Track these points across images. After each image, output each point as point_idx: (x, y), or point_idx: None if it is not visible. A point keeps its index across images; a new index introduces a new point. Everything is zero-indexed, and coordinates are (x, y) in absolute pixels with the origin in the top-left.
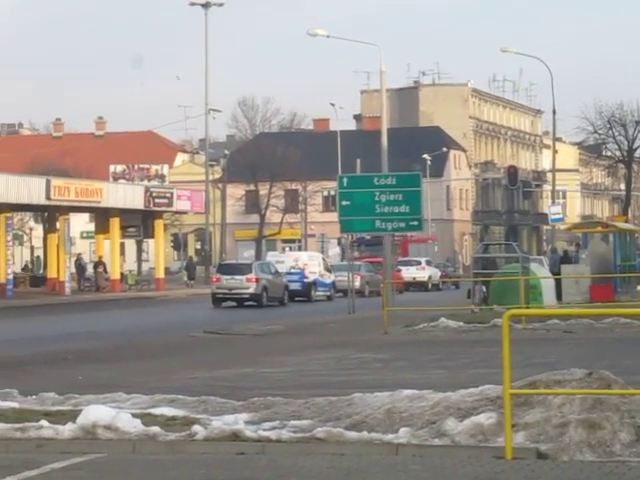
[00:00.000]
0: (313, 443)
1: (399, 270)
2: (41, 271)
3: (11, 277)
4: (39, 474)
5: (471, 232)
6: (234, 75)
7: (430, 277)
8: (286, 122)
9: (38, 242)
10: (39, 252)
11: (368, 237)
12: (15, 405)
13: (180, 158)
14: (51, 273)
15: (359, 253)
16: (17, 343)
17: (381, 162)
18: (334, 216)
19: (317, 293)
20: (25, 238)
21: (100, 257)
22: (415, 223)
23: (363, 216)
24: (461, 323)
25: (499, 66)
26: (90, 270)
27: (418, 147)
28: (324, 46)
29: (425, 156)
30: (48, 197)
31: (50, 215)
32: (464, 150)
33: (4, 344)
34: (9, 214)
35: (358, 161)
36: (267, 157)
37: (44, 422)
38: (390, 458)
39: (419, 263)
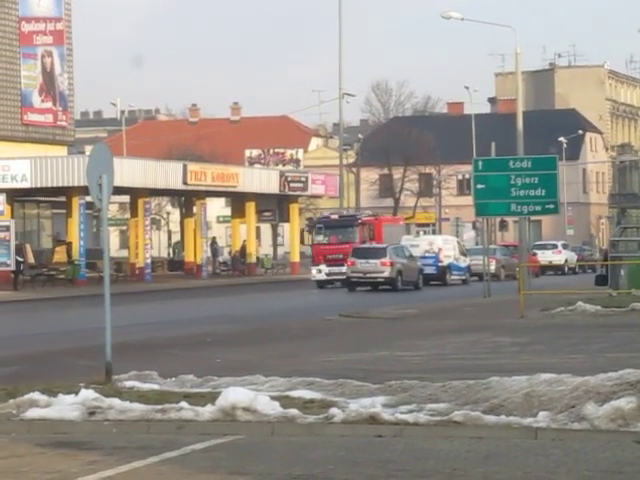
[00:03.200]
0: (451, 426)
1: (535, 254)
2: (182, 254)
3: (149, 261)
4: (179, 455)
5: (607, 215)
6: (368, 59)
7: (566, 260)
8: (420, 106)
9: (175, 226)
10: (176, 236)
11: (335, 217)
12: (155, 387)
13: (314, 142)
14: (188, 257)
15: (323, 237)
16: (156, 326)
17: (516, 145)
18: (469, 199)
19: (452, 277)
20: (162, 223)
21: (244, 242)
22: (551, 206)
23: (498, 199)
24: (598, 307)
25: (636, 47)
26: (226, 254)
27: (554, 130)
28: (458, 28)
29: (561, 139)
30: (185, 182)
31: (187, 200)
32: (600, 132)
33: (142, 327)
34: (147, 199)
35: (493, 144)
36: (401, 141)
37: (184, 404)
38: (529, 442)
39: (555, 247)
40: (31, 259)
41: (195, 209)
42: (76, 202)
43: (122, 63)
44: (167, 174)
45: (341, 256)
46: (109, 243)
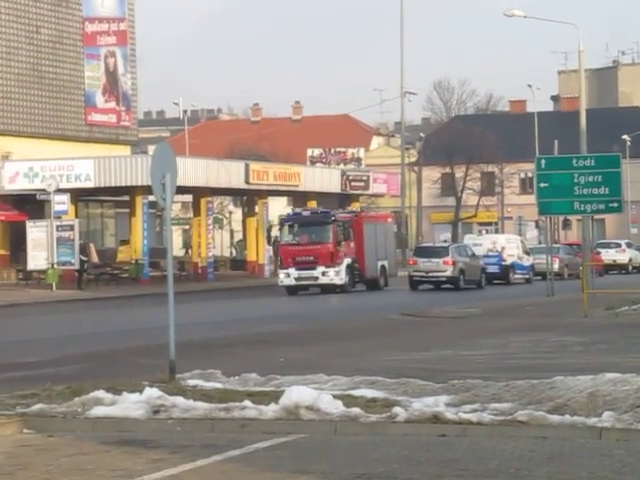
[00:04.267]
0: (515, 426)
1: (598, 252)
2: (245, 253)
3: (212, 260)
4: (243, 453)
5: None
6: (429, 57)
7: (631, 259)
8: (482, 104)
9: (237, 225)
10: (238, 235)
11: (306, 214)
12: (219, 385)
13: (376, 141)
14: (250, 256)
15: (292, 237)
16: (218, 325)
17: (579, 143)
18: (531, 198)
19: (515, 276)
20: (225, 222)
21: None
22: (615, 205)
23: (561, 198)
24: None
25: None
26: None
27: (617, 128)
28: (521, 26)
29: (624, 137)
30: (247, 181)
31: (249, 199)
32: None
33: (205, 326)
34: (210, 198)
35: (556, 142)
36: (463, 139)
37: (247, 402)
38: (593, 442)
39: (619, 245)
40: (95, 258)
41: (257, 208)
42: (139, 201)
43: (185, 63)
44: (229, 173)
45: (312, 258)
46: (172, 242)
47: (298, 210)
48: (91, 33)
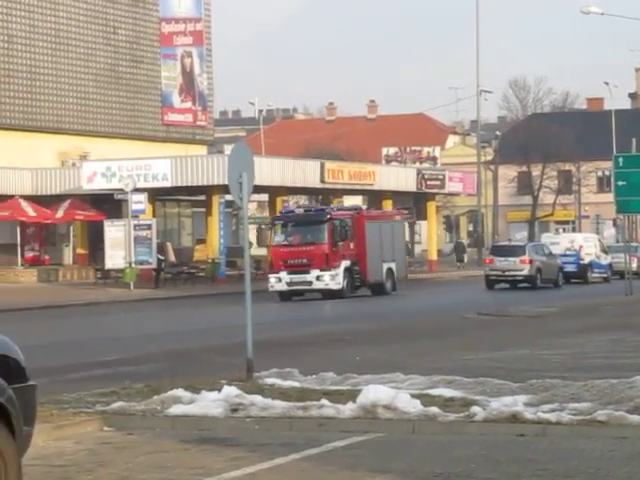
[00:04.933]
0: (594, 426)
1: None
2: None
3: None
4: (321, 452)
5: None
6: (505, 55)
7: None
8: (558, 102)
9: None
10: None
11: (299, 211)
12: (296, 384)
13: (451, 140)
14: None
15: (284, 237)
16: (294, 323)
17: None
18: (609, 197)
19: (593, 275)
20: None
21: None
22: None
23: None
24: None
25: None
26: None
27: None
28: (598, 23)
29: None
30: (322, 180)
31: (324, 198)
32: None
33: (281, 324)
34: (285, 197)
35: (633, 140)
36: (539, 138)
37: (325, 401)
38: None
39: None
40: (172, 257)
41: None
42: (216, 201)
43: (260, 62)
44: (305, 172)
45: (305, 261)
46: (249, 241)
47: (291, 208)
48: (168, 33)
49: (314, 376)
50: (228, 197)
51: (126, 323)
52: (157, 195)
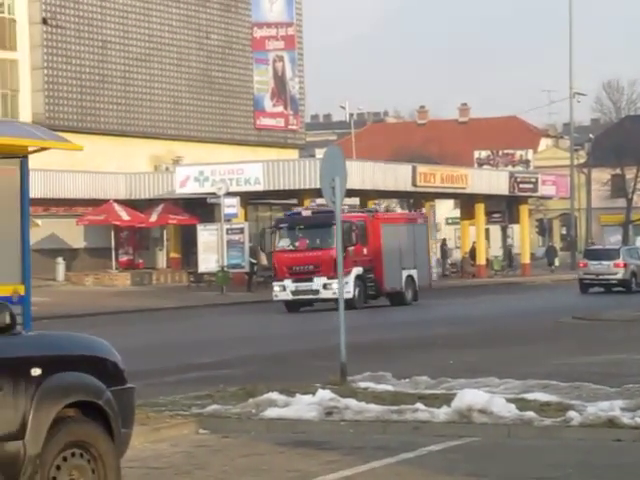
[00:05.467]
0: None
1: None
2: None
3: None
4: (416, 456)
5: None
6: (599, 57)
7: None
8: None
9: None
10: None
11: (306, 213)
12: (389, 388)
13: (544, 143)
14: None
15: (288, 242)
16: (385, 327)
17: None
18: None
19: None
20: None
21: (474, 243)
22: None
23: None
24: None
25: None
26: (455, 256)
27: None
28: None
29: None
30: (414, 184)
31: (416, 201)
32: None
33: (372, 328)
34: (376, 201)
35: None
36: (633, 140)
37: (419, 405)
38: None
39: None
40: (264, 261)
41: (424, 211)
42: (307, 204)
43: (351, 66)
44: (396, 176)
45: (311, 267)
46: (341, 244)
47: (297, 210)
48: (260, 38)
49: (407, 380)
50: (319, 201)
51: (219, 326)
52: (249, 199)
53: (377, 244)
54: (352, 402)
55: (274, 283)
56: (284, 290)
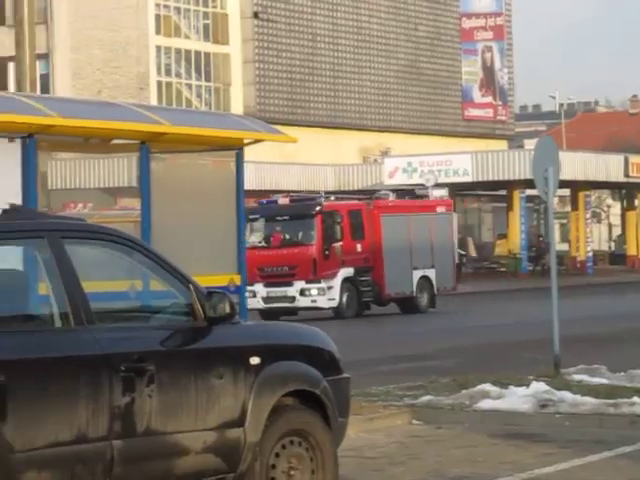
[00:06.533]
0: None
1: None
2: (624, 247)
3: (591, 254)
4: (635, 450)
5: None
6: None
7: None
8: None
9: (616, 220)
10: (617, 230)
11: (283, 201)
12: (604, 381)
13: None
14: (630, 251)
15: (262, 236)
16: (600, 320)
17: None
18: None
19: None
20: (603, 216)
21: None
22: None
23: None
24: None
25: None
26: None
27: None
28: None
29: None
30: (626, 174)
31: (628, 192)
32: None
33: (585, 321)
34: (587, 192)
35: None
36: None
37: (636, 399)
38: None
39: None
40: (473, 252)
41: (637, 202)
42: (517, 196)
43: (561, 56)
44: (607, 166)
45: (286, 269)
46: (555, 236)
47: (273, 198)
48: (468, 29)
49: (622, 373)
50: (529, 192)
51: (421, 318)
52: (457, 190)
53: (376, 239)
54: (567, 395)
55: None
56: (254, 297)
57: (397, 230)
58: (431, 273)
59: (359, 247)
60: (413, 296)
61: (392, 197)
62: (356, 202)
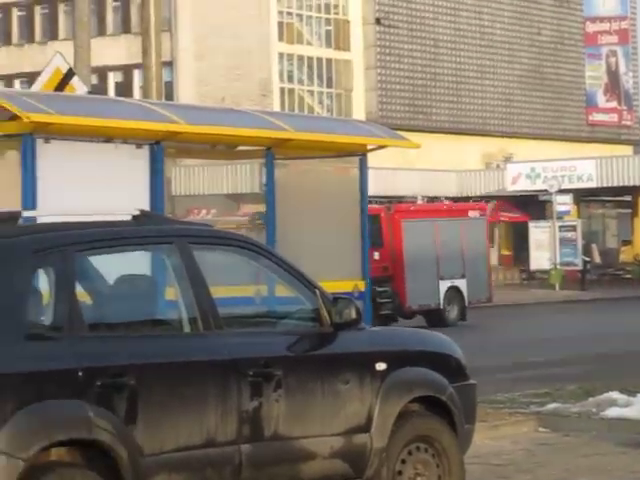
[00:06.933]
0: None
1: None
2: None
3: None
4: None
5: None
6: None
7: None
8: None
9: None
10: None
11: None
12: None
13: None
14: None
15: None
16: None
17: None
18: None
19: None
20: None
21: None
22: None
23: None
24: None
25: None
26: None
27: None
28: None
29: None
30: None
31: None
32: None
33: None
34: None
35: None
36: None
37: None
38: None
39: None
40: (597, 259)
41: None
42: None
43: None
44: None
45: None
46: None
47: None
48: (592, 33)
49: None
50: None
51: (551, 324)
52: (582, 196)
53: (397, 246)
54: None
55: None
56: None
57: (421, 236)
58: (461, 283)
59: (377, 255)
60: (439, 308)
61: (420, 201)
62: (374, 206)
